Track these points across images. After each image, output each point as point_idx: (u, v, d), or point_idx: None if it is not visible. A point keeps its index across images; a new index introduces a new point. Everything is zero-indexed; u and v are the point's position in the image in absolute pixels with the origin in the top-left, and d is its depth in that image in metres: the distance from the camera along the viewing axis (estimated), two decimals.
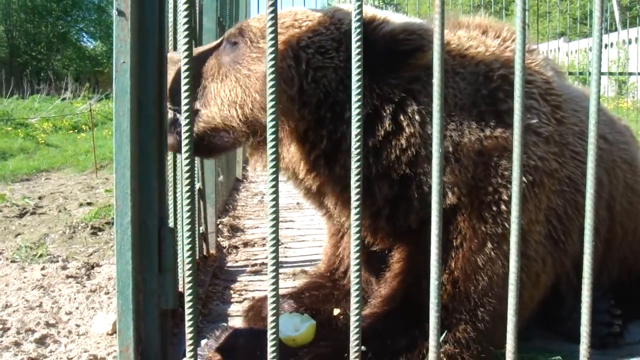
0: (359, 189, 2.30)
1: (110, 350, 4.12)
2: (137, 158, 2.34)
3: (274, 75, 2.09)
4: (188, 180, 2.32)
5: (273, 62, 2.06)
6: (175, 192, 3.20)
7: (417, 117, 2.71)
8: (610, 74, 17.77)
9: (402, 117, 2.72)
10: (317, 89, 2.71)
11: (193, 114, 2.67)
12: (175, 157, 3.33)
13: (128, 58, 2.26)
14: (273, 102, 2.25)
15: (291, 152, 2.82)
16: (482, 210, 2.82)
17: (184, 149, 2.33)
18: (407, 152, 2.73)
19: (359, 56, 2.05)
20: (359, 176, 2.28)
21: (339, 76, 2.71)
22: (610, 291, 3.48)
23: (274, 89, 2.12)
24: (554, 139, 3.03)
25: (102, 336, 4.34)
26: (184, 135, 2.27)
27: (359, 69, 2.07)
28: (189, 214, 2.34)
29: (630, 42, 22.41)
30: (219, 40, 3.02)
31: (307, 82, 2.71)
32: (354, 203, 2.34)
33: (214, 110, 2.81)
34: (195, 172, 3.84)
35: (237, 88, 2.76)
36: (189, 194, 2.35)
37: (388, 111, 2.71)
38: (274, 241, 2.21)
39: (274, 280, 2.34)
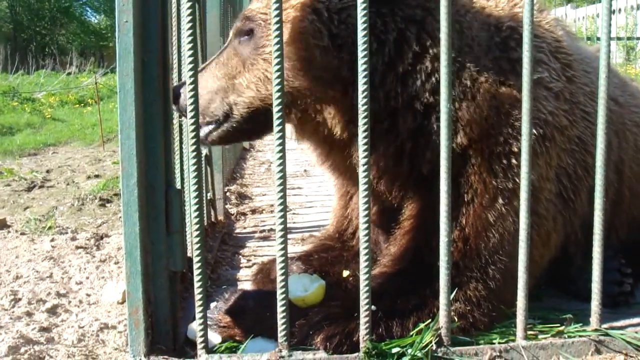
0: (366, 146, 2.29)
1: (120, 319, 4.13)
2: (142, 119, 2.33)
3: (279, 46, 2.07)
4: (194, 141, 2.31)
5: (278, 32, 2.04)
6: (182, 156, 3.18)
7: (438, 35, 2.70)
8: (619, 39, 17.61)
9: (425, 37, 2.70)
10: (347, 29, 2.69)
11: (230, 107, 2.76)
12: (180, 121, 3.31)
13: (131, 17, 2.24)
14: (279, 73, 2.24)
15: (332, 113, 2.81)
16: (493, 163, 2.79)
17: (189, 108, 2.31)
18: (432, 78, 2.71)
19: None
20: (366, 132, 2.26)
21: None
22: (621, 251, 3.46)
23: (279, 59, 2.10)
24: (564, 96, 3.01)
25: (112, 305, 4.36)
26: (189, 95, 2.25)
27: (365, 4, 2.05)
28: (195, 175, 2.33)
29: (638, 8, 22.16)
30: (225, 46, 3.00)
31: (336, 26, 2.69)
32: (361, 160, 2.33)
33: (249, 94, 2.79)
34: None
35: (269, 67, 2.70)
36: (194, 154, 2.34)
37: (413, 32, 2.70)
38: (282, 199, 2.20)
39: (282, 240, 2.33)
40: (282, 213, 2.35)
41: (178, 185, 2.91)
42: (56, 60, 38.21)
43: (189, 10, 2.19)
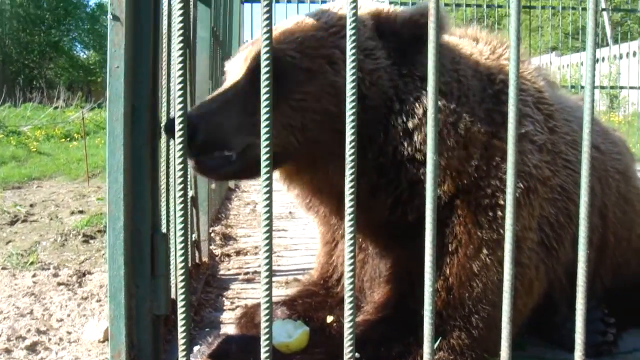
0: (352, 195, 2.30)
1: (101, 358, 4.09)
2: (130, 163, 2.33)
3: (268, 81, 2.09)
4: (181, 186, 2.32)
5: (267, 76, 2.06)
6: (168, 199, 3.19)
7: (444, 91, 2.77)
8: (602, 87, 17.87)
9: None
10: (378, 91, 2.72)
11: (249, 147, 2.65)
12: (168, 164, 3.32)
13: (122, 63, 2.26)
14: (267, 115, 2.26)
15: (340, 167, 2.82)
16: (479, 214, 2.84)
17: (177, 154, 2.32)
18: (440, 130, 2.75)
19: (354, 51, 2.05)
20: (353, 182, 2.28)
21: (389, 75, 2.73)
22: (604, 299, 3.48)
23: (268, 101, 2.12)
24: (547, 147, 3.08)
25: (93, 343, 4.32)
26: (177, 141, 2.26)
27: (354, 63, 2.07)
28: (181, 219, 2.33)
29: (621, 57, 22.52)
30: (242, 76, 2.82)
31: (367, 87, 2.70)
32: (348, 210, 2.34)
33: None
34: (188, 179, 3.83)
35: (293, 113, 2.66)
36: (182, 199, 2.34)
37: (422, 92, 2.73)
38: (268, 247, 2.20)
39: (267, 286, 2.33)
40: (267, 254, 2.35)
41: (164, 228, 2.90)
42: (44, 94, 38.17)
43: (180, 58, 2.22)
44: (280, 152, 2.68)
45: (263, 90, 2.19)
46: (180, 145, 2.27)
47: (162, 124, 2.59)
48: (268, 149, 2.31)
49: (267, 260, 2.29)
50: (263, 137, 2.32)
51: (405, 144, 2.74)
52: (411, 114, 2.72)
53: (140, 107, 2.36)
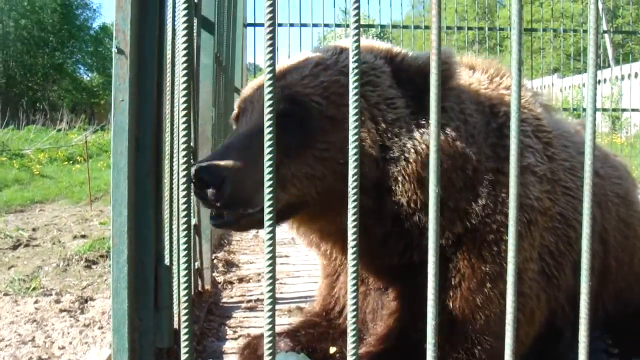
0: (355, 229, 2.30)
1: None
2: (134, 196, 2.34)
3: (272, 107, 2.10)
4: (185, 217, 2.32)
5: (271, 109, 2.07)
6: (171, 228, 3.18)
7: (454, 137, 2.77)
8: (604, 110, 17.88)
9: (443, 140, 2.74)
10: (398, 142, 2.70)
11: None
12: (171, 192, 3.32)
13: (127, 96, 2.27)
14: (271, 141, 2.26)
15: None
16: (483, 249, 2.86)
17: (181, 181, 2.33)
18: (450, 175, 2.76)
19: (356, 90, 2.06)
20: (355, 216, 2.28)
21: (408, 126, 2.73)
22: (607, 326, 3.47)
23: (271, 127, 2.13)
24: (546, 176, 3.10)
25: None
26: (181, 168, 2.27)
27: (356, 102, 2.08)
28: (185, 251, 2.34)
29: (623, 78, 22.56)
30: (256, 123, 2.72)
31: (388, 138, 2.69)
32: (350, 243, 2.34)
33: (292, 191, 2.64)
34: (191, 208, 3.83)
35: (316, 163, 2.63)
36: (185, 231, 2.35)
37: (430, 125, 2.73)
38: (271, 279, 2.20)
39: (270, 319, 2.33)
40: (270, 287, 2.36)
41: (167, 260, 2.90)
42: (47, 116, 38.29)
43: (185, 92, 2.22)
44: (299, 202, 2.67)
45: (266, 119, 2.20)
46: (184, 172, 2.27)
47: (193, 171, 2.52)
48: (272, 175, 2.31)
49: (270, 292, 2.29)
50: (266, 171, 2.32)
51: (419, 193, 2.72)
52: (427, 164, 2.70)
53: (144, 140, 2.37)
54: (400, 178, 2.70)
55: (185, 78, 2.18)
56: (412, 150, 2.69)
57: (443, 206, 2.77)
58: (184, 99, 2.21)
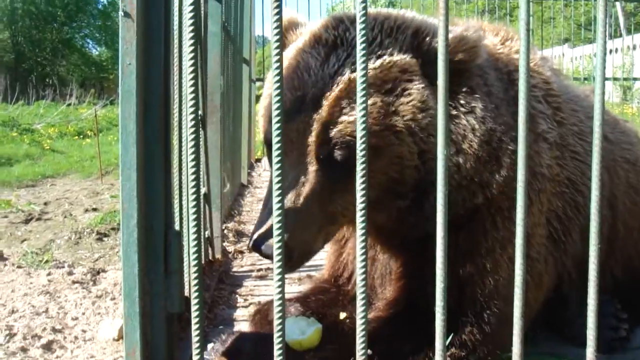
0: (364, 198, 2.31)
1: (116, 356, 4.12)
2: (143, 160, 2.34)
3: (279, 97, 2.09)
4: (194, 183, 2.33)
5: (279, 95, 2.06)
6: (180, 196, 3.19)
7: (483, 117, 2.75)
8: (615, 79, 17.76)
9: (473, 119, 2.73)
10: (434, 142, 2.69)
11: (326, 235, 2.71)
12: (180, 161, 3.32)
13: (134, 60, 2.27)
14: (278, 105, 2.26)
15: (386, 217, 2.83)
16: (497, 216, 2.88)
17: (189, 150, 2.33)
18: (478, 152, 2.76)
19: (364, 72, 2.05)
20: (364, 184, 2.29)
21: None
22: (616, 295, 3.47)
23: (279, 103, 2.12)
24: (556, 142, 3.10)
25: (108, 342, 4.35)
26: (190, 136, 2.27)
27: (364, 85, 2.08)
28: (194, 216, 2.34)
29: (635, 48, 22.37)
30: (310, 167, 2.65)
31: (424, 143, 2.68)
32: (359, 212, 2.34)
33: (343, 222, 2.79)
34: (201, 176, 3.84)
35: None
36: (194, 196, 2.36)
37: (467, 129, 2.71)
38: (281, 243, 2.21)
39: (280, 283, 2.34)
40: (280, 249, 2.36)
41: (177, 226, 2.91)
42: (56, 91, 38.31)
43: (192, 54, 2.22)
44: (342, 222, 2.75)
45: (274, 100, 2.19)
46: (193, 136, 2.28)
47: (251, 242, 2.58)
48: (279, 138, 2.31)
49: (279, 256, 2.30)
50: (275, 126, 2.32)
51: (457, 177, 2.74)
52: (462, 151, 2.71)
53: (152, 104, 2.37)
54: None
55: (192, 42, 2.18)
56: (452, 145, 2.69)
57: (470, 181, 2.77)
58: (192, 67, 2.21)
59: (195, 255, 2.31)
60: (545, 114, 3.07)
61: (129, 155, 2.30)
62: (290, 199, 2.59)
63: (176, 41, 3.21)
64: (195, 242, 2.25)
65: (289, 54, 2.75)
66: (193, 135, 2.36)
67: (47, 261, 6.43)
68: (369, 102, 2.52)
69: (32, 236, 7.84)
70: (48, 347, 4.22)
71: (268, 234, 2.48)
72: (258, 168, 12.59)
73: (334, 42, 2.67)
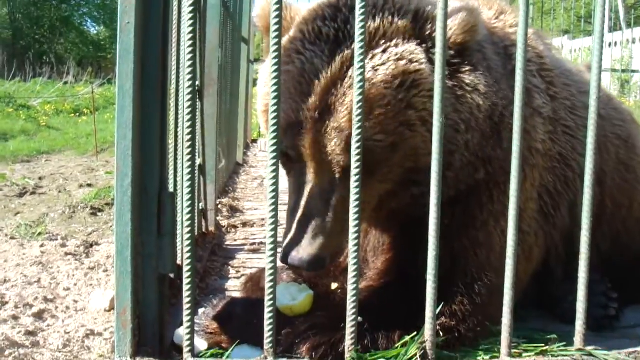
0: (358, 169, 2.32)
1: (107, 326, 4.12)
2: (139, 120, 2.34)
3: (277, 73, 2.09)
4: (189, 149, 2.33)
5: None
6: (175, 156, 3.19)
7: (486, 93, 2.74)
8: (614, 70, 17.76)
9: (477, 96, 2.73)
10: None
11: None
12: (176, 129, 3.32)
13: (132, 19, 2.26)
14: (276, 93, 2.26)
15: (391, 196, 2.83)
16: (494, 189, 2.92)
17: (186, 111, 2.34)
18: (482, 127, 2.78)
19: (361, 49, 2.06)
20: (358, 163, 2.29)
21: (450, 103, 2.70)
22: (606, 274, 3.49)
23: (277, 86, 2.13)
24: (549, 117, 3.12)
25: (99, 312, 4.35)
26: (186, 106, 2.28)
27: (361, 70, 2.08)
28: (189, 182, 2.35)
29: (634, 42, 22.35)
30: (320, 183, 2.65)
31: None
32: (353, 184, 2.36)
33: (364, 216, 2.70)
34: (196, 147, 3.84)
35: (380, 185, 2.70)
36: (189, 162, 2.36)
37: (472, 106, 2.72)
38: (274, 206, 2.22)
39: (272, 246, 2.35)
40: (273, 217, 2.37)
41: (171, 187, 2.91)
42: (53, 69, 38.14)
43: (191, 21, 2.22)
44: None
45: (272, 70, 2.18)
46: (189, 104, 2.28)
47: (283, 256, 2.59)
48: (276, 127, 2.32)
49: (272, 220, 2.31)
50: (272, 113, 2.32)
51: (467, 154, 2.76)
52: (470, 129, 2.72)
53: (150, 65, 2.36)
54: (455, 160, 2.74)
55: (191, 9, 2.18)
56: (461, 124, 2.69)
57: (475, 157, 2.80)
58: (190, 33, 2.22)
59: (189, 216, 2.32)
60: (540, 89, 3.09)
61: (125, 114, 2.30)
62: (318, 209, 2.60)
63: (175, 9, 3.21)
64: (190, 201, 2.26)
65: (287, 46, 2.67)
66: (190, 103, 2.37)
67: (40, 233, 6.43)
68: (384, 101, 2.52)
69: (26, 209, 7.84)
70: (39, 315, 4.22)
71: (297, 245, 2.57)
72: (254, 148, 12.58)
73: (336, 37, 2.60)
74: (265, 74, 2.78)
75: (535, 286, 3.32)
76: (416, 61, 2.60)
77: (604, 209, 3.53)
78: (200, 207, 4.81)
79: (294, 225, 2.60)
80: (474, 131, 2.72)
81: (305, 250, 2.55)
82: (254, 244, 5.14)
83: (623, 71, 18.19)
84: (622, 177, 3.66)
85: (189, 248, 2.38)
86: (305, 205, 2.62)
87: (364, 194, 2.52)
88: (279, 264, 2.56)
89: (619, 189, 3.64)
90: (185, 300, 2.38)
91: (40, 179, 9.97)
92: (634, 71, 18.10)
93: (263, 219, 6.00)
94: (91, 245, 5.90)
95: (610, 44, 21.43)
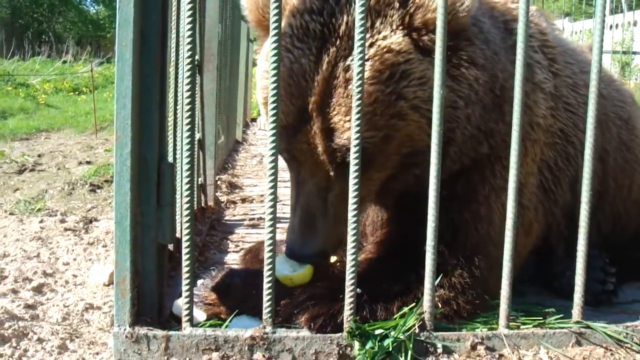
0: (357, 150, 2.31)
1: (106, 300, 4.13)
2: (138, 90, 2.33)
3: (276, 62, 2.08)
4: (189, 120, 2.33)
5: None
6: (175, 126, 3.18)
7: (484, 64, 2.73)
8: (614, 52, 17.69)
9: (475, 69, 2.71)
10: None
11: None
12: (176, 99, 3.31)
13: None
14: (275, 78, 2.25)
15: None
16: (496, 164, 2.91)
17: (185, 87, 2.33)
18: (484, 99, 2.77)
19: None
20: (358, 141, 2.29)
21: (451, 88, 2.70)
22: (605, 250, 3.49)
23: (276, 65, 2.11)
24: (551, 93, 3.11)
25: (98, 286, 4.37)
26: (186, 82, 2.27)
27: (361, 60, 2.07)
28: (188, 147, 2.35)
29: (635, 24, 22.24)
30: (321, 176, 2.67)
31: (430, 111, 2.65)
32: (353, 161, 2.35)
33: (367, 201, 2.86)
34: (196, 121, 3.83)
35: (378, 174, 2.72)
36: (189, 133, 2.36)
37: (471, 82, 2.70)
38: (274, 178, 2.21)
39: (271, 217, 2.35)
40: (272, 189, 2.37)
41: (170, 157, 2.90)
42: (52, 48, 38.00)
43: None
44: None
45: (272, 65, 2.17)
46: (189, 79, 2.27)
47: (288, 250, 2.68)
48: (275, 103, 2.31)
49: (271, 191, 2.31)
50: (271, 86, 2.31)
51: (469, 128, 2.75)
52: (470, 102, 2.70)
53: (149, 34, 2.35)
54: (456, 135, 2.73)
55: None
56: (460, 100, 2.66)
57: (478, 131, 2.80)
58: (190, 3, 2.20)
59: (188, 186, 2.32)
60: (542, 64, 3.09)
61: (125, 84, 2.29)
62: (317, 205, 2.65)
63: None
64: (189, 171, 2.26)
65: None
66: (189, 73, 2.36)
67: (39, 209, 6.43)
68: (371, 98, 2.49)
69: (25, 186, 7.84)
70: (39, 289, 4.24)
71: (300, 240, 2.67)
72: (253, 127, 12.58)
73: (322, 33, 2.54)
74: (262, 65, 2.76)
75: (534, 263, 3.33)
76: (404, 51, 2.55)
77: (606, 188, 3.54)
78: (199, 182, 4.81)
79: (296, 222, 2.68)
80: (475, 105, 2.70)
81: (308, 245, 2.65)
82: (253, 219, 5.15)
83: (624, 53, 18.10)
84: (623, 158, 3.68)
85: (188, 218, 2.38)
86: (305, 203, 2.67)
87: (363, 186, 2.54)
88: (278, 236, 2.57)
89: (621, 169, 3.66)
90: (185, 269, 2.38)
91: (39, 156, 9.97)
92: (634, 53, 18.02)
93: (262, 195, 6.01)
94: (90, 221, 5.91)
95: (611, 26, 21.36)
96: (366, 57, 2.48)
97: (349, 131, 2.46)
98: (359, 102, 2.29)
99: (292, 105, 2.55)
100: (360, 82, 2.30)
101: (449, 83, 2.61)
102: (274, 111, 2.35)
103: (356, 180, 2.37)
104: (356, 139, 2.34)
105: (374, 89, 2.49)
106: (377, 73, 2.50)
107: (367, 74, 2.47)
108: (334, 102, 2.50)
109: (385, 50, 2.52)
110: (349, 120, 2.45)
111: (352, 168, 2.35)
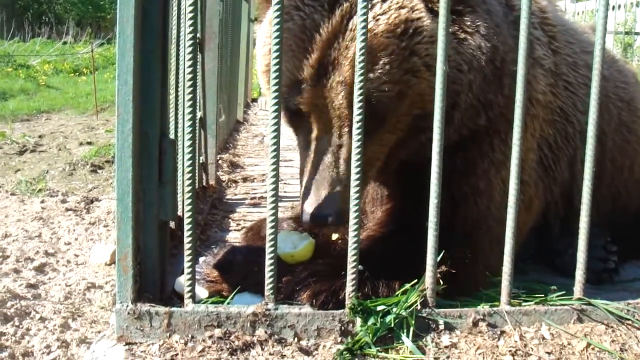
0: (360, 123, 2.31)
1: (108, 279, 4.17)
2: (139, 66, 2.32)
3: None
4: (191, 95, 2.31)
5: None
6: (176, 103, 3.17)
7: (486, 34, 2.72)
8: (617, 33, 17.61)
9: (479, 37, 2.71)
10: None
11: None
12: (177, 77, 3.30)
13: None
14: (277, 47, 2.24)
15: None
16: (494, 138, 2.91)
17: (187, 63, 2.31)
18: (484, 69, 2.75)
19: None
20: (360, 110, 2.28)
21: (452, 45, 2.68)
22: (607, 230, 3.50)
23: (278, 34, 2.10)
24: (551, 70, 3.12)
25: (100, 266, 4.40)
26: (187, 57, 2.25)
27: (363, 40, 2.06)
28: (189, 124, 2.34)
29: (638, 5, 22.10)
30: (327, 134, 2.65)
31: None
32: (355, 136, 2.34)
33: (377, 164, 2.77)
34: (197, 100, 3.83)
35: (389, 136, 2.70)
36: (190, 106, 2.35)
37: (472, 47, 2.68)
38: (276, 139, 2.21)
39: (273, 193, 2.34)
40: (274, 167, 2.36)
41: (172, 134, 2.90)
42: (52, 29, 37.87)
43: None
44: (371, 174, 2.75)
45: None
46: (191, 50, 2.26)
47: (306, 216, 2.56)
48: (277, 85, 2.30)
49: (273, 167, 2.30)
50: (273, 72, 2.30)
51: (470, 96, 2.74)
52: (472, 69, 2.69)
53: (151, 10, 2.34)
54: (462, 94, 2.72)
55: None
56: (464, 64, 2.66)
57: (477, 101, 2.79)
58: None
59: (190, 161, 2.31)
60: (541, 41, 3.10)
61: (126, 60, 2.28)
62: (331, 163, 2.59)
63: None
64: (190, 148, 2.25)
65: (285, 3, 2.57)
66: (191, 49, 2.34)
67: (40, 190, 6.46)
68: (387, 50, 2.50)
69: (26, 167, 7.86)
70: (40, 269, 4.27)
71: (317, 202, 2.53)
72: (254, 107, 12.55)
73: None
74: (265, 32, 2.77)
75: (535, 241, 3.34)
76: (417, 9, 2.58)
77: (604, 169, 3.54)
78: (201, 161, 4.81)
79: (311, 184, 2.59)
80: (476, 72, 2.70)
81: (328, 205, 2.52)
82: (254, 198, 5.15)
83: (626, 33, 18.01)
84: (623, 139, 3.67)
85: (190, 195, 2.38)
86: (318, 162, 2.61)
87: (374, 146, 2.55)
88: (280, 214, 2.56)
89: (620, 150, 3.65)
90: (187, 246, 2.38)
91: (40, 137, 9.98)
92: (637, 33, 17.91)
93: (263, 174, 6.00)
94: (91, 201, 5.94)
95: (613, 7, 21.24)
96: (380, 11, 2.51)
97: (367, 82, 2.45)
98: (362, 56, 2.28)
99: (306, 59, 2.54)
100: (363, 37, 2.29)
101: (454, 45, 2.62)
102: (277, 72, 2.33)
103: (360, 136, 2.36)
104: (359, 94, 2.33)
105: (389, 42, 2.51)
106: (392, 27, 2.52)
107: (382, 28, 2.49)
108: (349, 55, 2.50)
109: (398, 5, 2.55)
110: (367, 71, 2.44)
111: (355, 125, 2.33)
